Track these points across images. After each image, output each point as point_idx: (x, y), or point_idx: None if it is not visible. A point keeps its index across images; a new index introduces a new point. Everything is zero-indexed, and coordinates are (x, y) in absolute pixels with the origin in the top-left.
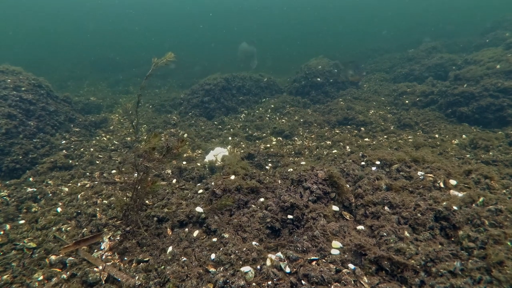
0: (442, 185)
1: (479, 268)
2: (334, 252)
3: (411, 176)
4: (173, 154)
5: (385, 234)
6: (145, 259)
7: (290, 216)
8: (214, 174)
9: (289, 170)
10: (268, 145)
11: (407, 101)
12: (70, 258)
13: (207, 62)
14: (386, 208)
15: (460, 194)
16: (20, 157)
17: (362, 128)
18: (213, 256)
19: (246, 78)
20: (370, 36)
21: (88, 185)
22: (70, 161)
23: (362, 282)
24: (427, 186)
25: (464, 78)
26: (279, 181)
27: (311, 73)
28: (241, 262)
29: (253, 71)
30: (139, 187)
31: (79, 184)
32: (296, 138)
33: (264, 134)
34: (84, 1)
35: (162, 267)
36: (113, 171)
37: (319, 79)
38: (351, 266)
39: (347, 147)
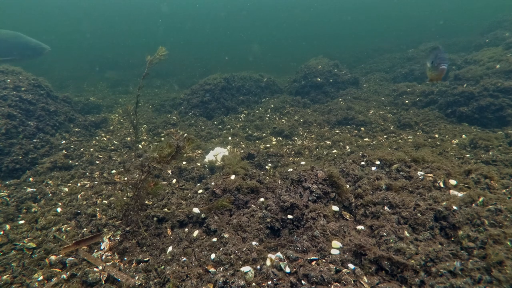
0: (442, 185)
1: (479, 268)
2: (334, 252)
3: (411, 176)
4: (181, 154)
5: (385, 234)
6: (145, 259)
7: (290, 216)
8: (214, 174)
9: (289, 170)
10: (268, 145)
11: (407, 101)
12: (70, 258)
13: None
14: (386, 208)
15: (460, 194)
16: (20, 157)
17: (362, 128)
18: (213, 256)
19: (246, 78)
20: (370, 36)
21: (88, 185)
22: (70, 161)
23: (362, 282)
24: (427, 186)
25: (464, 78)
26: (279, 181)
27: (311, 73)
28: (241, 262)
29: (253, 70)
30: (140, 187)
31: (79, 184)
32: (296, 138)
33: (264, 134)
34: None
35: (162, 267)
36: (113, 171)
37: (319, 79)
38: (351, 266)
39: (347, 147)
